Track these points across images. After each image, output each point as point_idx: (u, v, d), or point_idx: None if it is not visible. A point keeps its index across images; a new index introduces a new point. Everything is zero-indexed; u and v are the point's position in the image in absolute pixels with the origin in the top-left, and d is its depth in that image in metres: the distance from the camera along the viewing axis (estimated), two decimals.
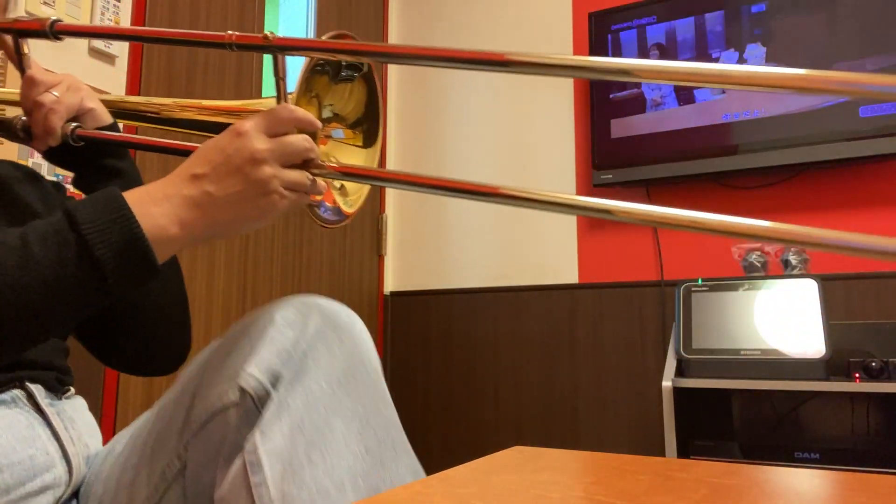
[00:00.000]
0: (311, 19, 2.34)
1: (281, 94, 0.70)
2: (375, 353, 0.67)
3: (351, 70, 0.73)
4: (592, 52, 2.23)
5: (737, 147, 1.99)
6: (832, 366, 1.62)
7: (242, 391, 0.59)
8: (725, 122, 2.03)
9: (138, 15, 1.75)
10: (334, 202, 0.72)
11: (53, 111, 0.74)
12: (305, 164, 0.63)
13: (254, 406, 0.59)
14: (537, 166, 2.40)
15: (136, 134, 1.43)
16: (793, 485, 0.52)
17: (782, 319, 1.68)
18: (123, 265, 0.56)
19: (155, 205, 0.58)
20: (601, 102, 2.21)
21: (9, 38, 0.76)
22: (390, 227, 2.63)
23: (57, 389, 0.73)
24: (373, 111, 0.76)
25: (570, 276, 2.29)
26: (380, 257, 2.58)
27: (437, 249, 2.53)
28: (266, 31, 0.63)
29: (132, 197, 0.58)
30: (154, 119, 0.80)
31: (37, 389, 0.69)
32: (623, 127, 2.16)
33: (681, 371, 1.75)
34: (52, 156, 0.80)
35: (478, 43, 2.57)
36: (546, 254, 2.34)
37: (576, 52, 2.39)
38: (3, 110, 0.82)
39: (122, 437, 0.74)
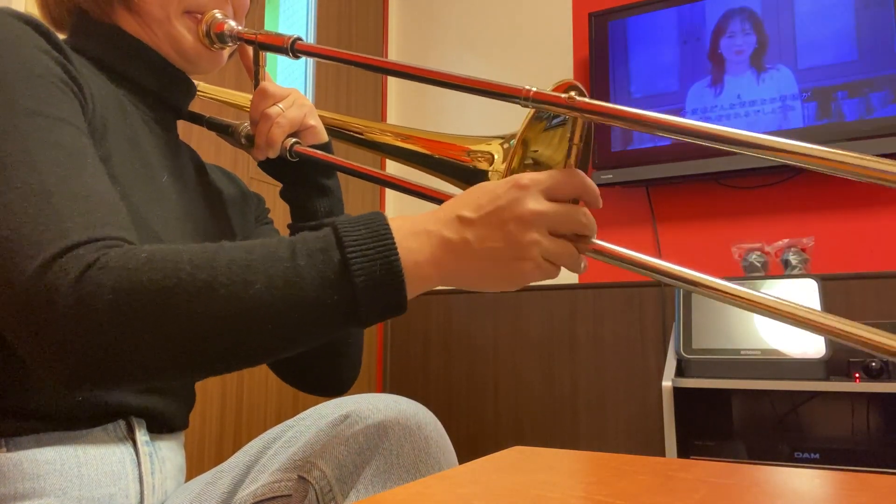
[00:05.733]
0: (311, 20, 2.34)
1: (257, 83, 0.76)
2: (452, 450, 0.67)
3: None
4: (592, 53, 2.23)
5: None
6: (832, 366, 1.62)
7: (303, 481, 0.58)
8: (725, 122, 2.03)
9: None
10: None
11: (278, 124, 0.76)
12: (575, 238, 0.57)
13: (315, 500, 0.58)
14: None
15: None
16: (793, 485, 0.52)
17: None
18: (377, 297, 0.52)
19: (413, 238, 0.55)
20: None
21: (250, 50, 0.79)
22: None
23: (160, 428, 0.70)
24: (583, 162, 0.66)
25: (570, 276, 2.29)
26: None
27: None
28: (571, 93, 0.59)
29: (392, 224, 0.55)
30: (357, 140, 0.81)
31: (139, 424, 0.67)
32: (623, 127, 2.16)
33: (681, 371, 1.74)
34: (266, 165, 0.82)
35: (477, 43, 2.57)
36: None
37: (576, 53, 2.39)
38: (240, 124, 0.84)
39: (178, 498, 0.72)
